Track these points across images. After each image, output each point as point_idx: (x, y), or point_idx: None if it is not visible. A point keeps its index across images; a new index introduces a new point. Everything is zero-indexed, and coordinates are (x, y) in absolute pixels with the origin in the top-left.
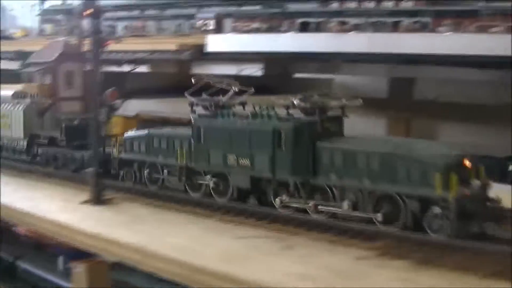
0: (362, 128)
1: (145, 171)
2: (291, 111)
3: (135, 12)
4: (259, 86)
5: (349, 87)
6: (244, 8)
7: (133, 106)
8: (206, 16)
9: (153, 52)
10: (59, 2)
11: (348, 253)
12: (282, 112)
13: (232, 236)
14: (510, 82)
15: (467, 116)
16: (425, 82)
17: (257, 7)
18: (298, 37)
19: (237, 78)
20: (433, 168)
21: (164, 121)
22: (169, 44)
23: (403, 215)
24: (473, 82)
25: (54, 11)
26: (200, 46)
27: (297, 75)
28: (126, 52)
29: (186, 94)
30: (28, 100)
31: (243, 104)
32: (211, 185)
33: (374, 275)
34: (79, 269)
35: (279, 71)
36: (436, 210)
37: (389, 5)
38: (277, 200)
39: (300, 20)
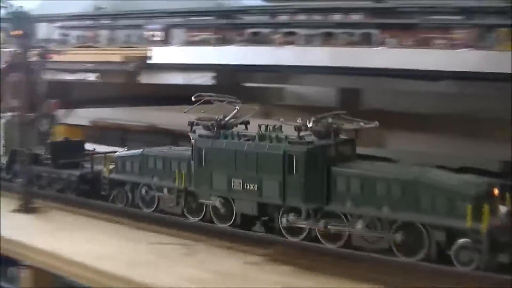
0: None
1: (139, 193)
2: (302, 133)
3: (88, 22)
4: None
5: (298, 97)
6: (193, 19)
7: (86, 114)
8: (154, 27)
9: (99, 63)
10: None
11: (240, 258)
12: (290, 134)
13: (146, 243)
14: (454, 92)
15: (413, 126)
16: (372, 93)
17: (207, 18)
18: (242, 49)
19: (186, 87)
20: (463, 198)
21: (120, 129)
22: (114, 55)
23: (427, 245)
24: (420, 93)
25: (6, 19)
26: (145, 58)
27: (247, 84)
28: (73, 62)
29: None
30: (9, 114)
31: (245, 123)
32: (218, 205)
33: (258, 278)
34: (25, 273)
35: (229, 81)
36: (465, 241)
37: (337, 17)
38: (283, 219)
39: (250, 31)
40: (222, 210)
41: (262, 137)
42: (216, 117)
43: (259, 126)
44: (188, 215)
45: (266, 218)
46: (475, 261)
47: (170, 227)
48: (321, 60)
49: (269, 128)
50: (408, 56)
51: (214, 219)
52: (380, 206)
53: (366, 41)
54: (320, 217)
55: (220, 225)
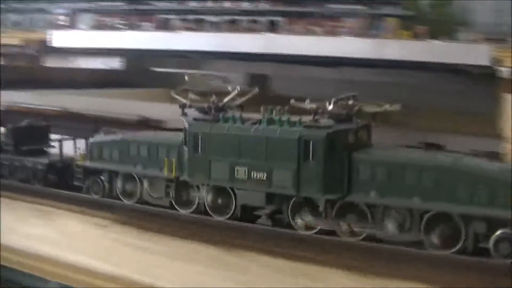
0: None
1: (118, 183)
2: (317, 117)
3: None
4: (118, 79)
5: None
6: (101, 3)
7: None
8: (60, 12)
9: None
10: None
11: (90, 221)
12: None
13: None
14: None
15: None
16: (279, 79)
17: (117, 3)
18: (148, 35)
19: (94, 71)
20: (506, 186)
21: (37, 114)
22: (14, 38)
23: (463, 237)
24: (326, 79)
25: None
26: (44, 41)
27: (156, 69)
28: None
29: (173, 95)
30: None
31: (241, 106)
32: (209, 200)
33: (101, 236)
34: None
35: (137, 65)
36: (506, 232)
37: (245, 5)
38: (299, 221)
39: (158, 17)
40: (219, 202)
41: (271, 121)
42: (212, 99)
43: (263, 108)
44: (178, 207)
45: (273, 210)
46: None
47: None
48: (223, 45)
49: (276, 111)
50: (300, 42)
51: (209, 211)
52: (411, 196)
53: (269, 28)
54: (338, 208)
55: (217, 218)
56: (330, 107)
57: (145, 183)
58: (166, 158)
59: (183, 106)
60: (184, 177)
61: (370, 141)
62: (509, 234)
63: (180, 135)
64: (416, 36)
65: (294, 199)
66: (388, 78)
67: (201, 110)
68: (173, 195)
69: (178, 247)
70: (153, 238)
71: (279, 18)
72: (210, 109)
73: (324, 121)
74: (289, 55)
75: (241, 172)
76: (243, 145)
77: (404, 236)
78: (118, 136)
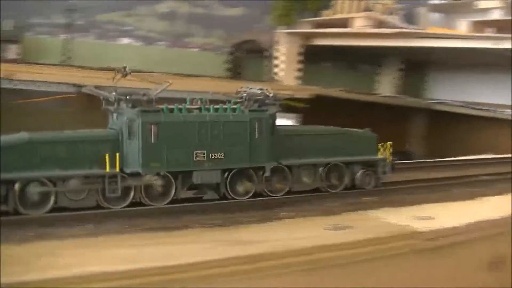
0: None
1: (23, 192)
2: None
3: None
4: None
5: None
6: None
7: None
8: None
9: None
10: None
11: None
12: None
13: None
14: None
15: None
16: None
17: None
18: None
19: None
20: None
21: None
22: None
23: (346, 177)
24: None
25: None
26: None
27: None
28: None
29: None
30: None
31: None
32: (158, 186)
33: None
34: None
35: None
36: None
37: None
38: (240, 188)
39: None
40: (159, 188)
41: (215, 109)
42: (140, 92)
43: (189, 99)
44: (107, 204)
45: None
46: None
47: None
48: None
49: (199, 101)
50: None
51: (146, 200)
52: (317, 155)
53: None
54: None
55: (156, 205)
56: (271, 94)
57: (62, 187)
58: (107, 154)
59: (117, 100)
60: (133, 169)
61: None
62: (368, 171)
63: (100, 130)
64: None
65: (233, 171)
66: None
67: (136, 101)
68: (104, 192)
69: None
70: None
71: None
72: (150, 101)
73: (254, 106)
74: None
75: (200, 155)
76: (200, 131)
77: (315, 184)
78: (15, 137)
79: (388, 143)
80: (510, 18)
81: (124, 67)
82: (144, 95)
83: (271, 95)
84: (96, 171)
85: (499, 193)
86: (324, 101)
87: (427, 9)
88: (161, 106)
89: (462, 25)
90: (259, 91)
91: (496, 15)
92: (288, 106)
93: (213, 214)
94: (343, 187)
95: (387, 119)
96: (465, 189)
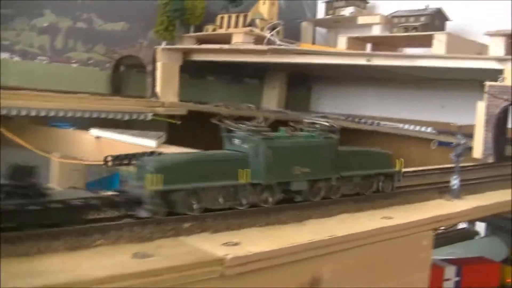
0: None
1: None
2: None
3: None
4: None
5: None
6: None
7: None
8: None
9: None
10: None
11: None
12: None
13: None
14: None
15: None
16: None
17: None
18: None
19: None
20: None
21: None
22: None
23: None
24: None
25: None
26: None
27: None
28: None
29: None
30: None
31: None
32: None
33: None
34: None
35: None
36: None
37: None
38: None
39: None
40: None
41: (307, 136)
42: (249, 123)
43: (289, 127)
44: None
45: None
46: None
47: None
48: None
49: (291, 129)
50: None
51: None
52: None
53: None
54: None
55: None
56: (329, 123)
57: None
58: (239, 169)
59: (230, 129)
60: (259, 180)
61: None
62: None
63: (230, 152)
64: None
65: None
66: None
67: (250, 130)
68: (247, 199)
69: None
70: None
71: None
72: (261, 130)
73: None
74: None
75: (296, 169)
76: (297, 153)
77: (356, 189)
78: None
79: (401, 159)
80: (387, 34)
81: None
82: (253, 124)
83: (335, 125)
84: (232, 182)
85: (321, 216)
86: (195, 117)
87: (311, 24)
88: (272, 134)
89: (341, 41)
90: (327, 123)
91: (375, 31)
92: (155, 123)
93: None
94: (373, 191)
95: None
96: (294, 212)
